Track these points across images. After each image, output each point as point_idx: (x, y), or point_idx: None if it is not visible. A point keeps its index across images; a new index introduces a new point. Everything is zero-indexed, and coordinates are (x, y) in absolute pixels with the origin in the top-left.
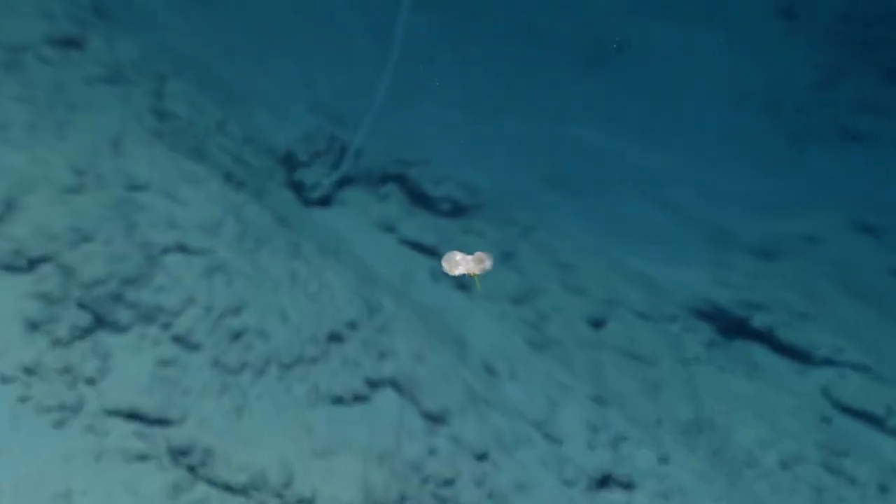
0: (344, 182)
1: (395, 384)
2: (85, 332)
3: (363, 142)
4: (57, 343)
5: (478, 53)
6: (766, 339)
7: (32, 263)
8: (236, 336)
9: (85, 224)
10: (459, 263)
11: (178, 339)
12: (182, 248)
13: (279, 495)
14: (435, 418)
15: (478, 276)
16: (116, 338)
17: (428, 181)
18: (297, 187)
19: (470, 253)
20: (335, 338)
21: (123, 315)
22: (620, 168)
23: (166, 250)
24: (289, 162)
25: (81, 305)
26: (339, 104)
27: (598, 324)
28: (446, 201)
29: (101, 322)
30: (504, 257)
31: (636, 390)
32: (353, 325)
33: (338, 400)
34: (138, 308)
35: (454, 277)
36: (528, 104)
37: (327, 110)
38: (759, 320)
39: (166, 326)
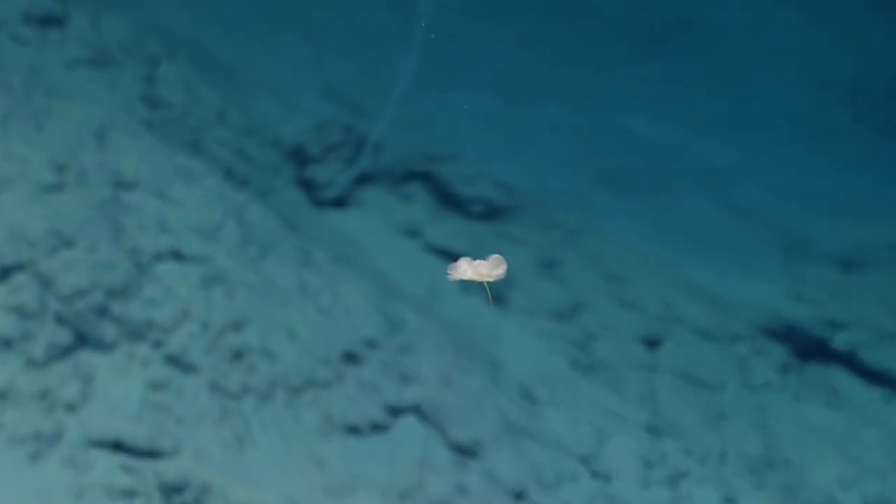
0: (362, 180)
1: (419, 411)
2: (64, 351)
3: (384, 133)
4: (32, 363)
5: (517, 31)
6: (849, 361)
7: (5, 272)
8: (237, 356)
9: (65, 227)
10: (468, 269)
11: (172, 360)
12: (176, 255)
13: None
14: (465, 451)
15: (489, 284)
16: (100, 357)
17: (458, 179)
18: (308, 186)
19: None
20: (351, 358)
21: (109, 331)
22: (681, 164)
23: (158, 257)
24: (298, 157)
25: (61, 320)
26: (355, 90)
27: (653, 343)
28: (479, 202)
29: (83, 339)
30: (545, 266)
31: (697, 420)
32: (371, 344)
33: (353, 430)
34: (126, 323)
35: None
36: (575, 90)
37: (342, 97)
38: (840, 340)
39: (158, 345)
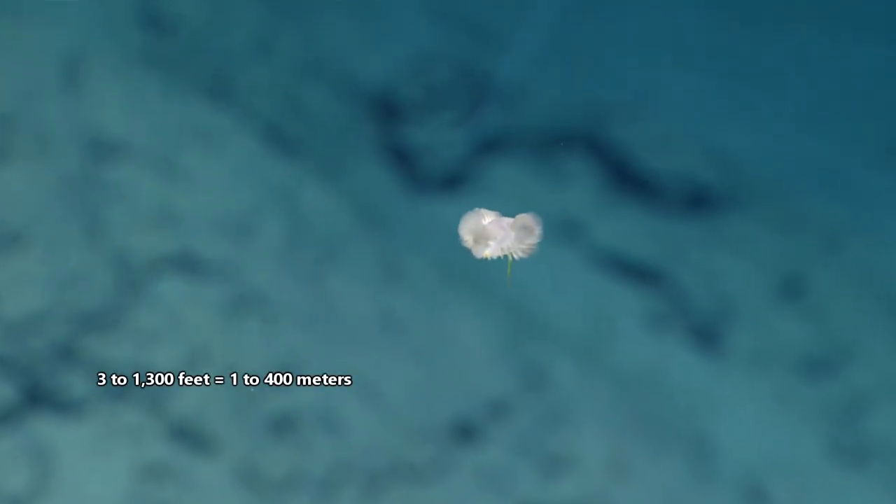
0: (485, 147)
1: None
2: (9, 415)
3: (521, 73)
4: None
5: None
6: None
7: None
8: (281, 425)
9: (12, 217)
10: (486, 232)
11: (177, 430)
12: (184, 263)
13: None
14: None
15: (513, 258)
16: (66, 425)
17: (642, 147)
18: (400, 155)
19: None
20: (465, 432)
21: (78, 384)
22: None
23: (156, 266)
24: (384, 109)
25: (4, 366)
26: (473, 4)
27: None
28: (677, 184)
29: (37, 396)
30: (788, 289)
31: None
32: (499, 409)
33: None
34: (104, 370)
35: (687, 322)
36: (843, 3)
37: (455, 14)
38: None
39: (155, 405)
